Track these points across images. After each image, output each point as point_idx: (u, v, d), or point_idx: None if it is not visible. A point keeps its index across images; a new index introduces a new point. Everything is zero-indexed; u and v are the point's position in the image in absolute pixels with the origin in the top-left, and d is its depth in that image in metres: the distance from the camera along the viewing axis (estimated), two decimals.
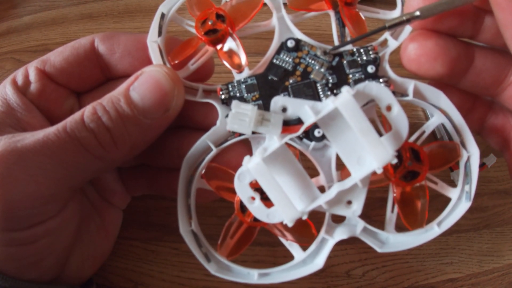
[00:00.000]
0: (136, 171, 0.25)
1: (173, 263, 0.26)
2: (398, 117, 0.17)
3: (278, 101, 0.18)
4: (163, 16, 0.22)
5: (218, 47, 0.21)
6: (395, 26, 0.19)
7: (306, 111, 0.17)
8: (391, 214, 0.20)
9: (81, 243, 0.21)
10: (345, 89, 0.17)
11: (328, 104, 0.17)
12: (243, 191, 0.19)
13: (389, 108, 0.17)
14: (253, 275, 0.20)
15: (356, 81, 0.20)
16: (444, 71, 0.19)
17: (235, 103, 0.17)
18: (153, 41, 0.21)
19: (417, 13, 0.18)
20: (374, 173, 0.18)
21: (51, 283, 0.20)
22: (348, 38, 0.21)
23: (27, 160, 0.17)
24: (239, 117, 0.17)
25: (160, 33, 0.22)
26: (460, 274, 0.26)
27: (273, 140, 0.18)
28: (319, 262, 0.20)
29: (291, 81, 0.20)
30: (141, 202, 0.27)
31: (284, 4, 0.22)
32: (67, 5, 0.36)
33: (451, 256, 0.27)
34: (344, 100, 0.16)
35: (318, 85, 0.20)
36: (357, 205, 0.18)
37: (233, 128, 0.17)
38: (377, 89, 0.17)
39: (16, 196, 0.17)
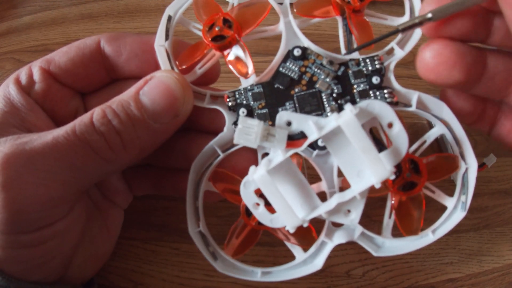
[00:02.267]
0: (140, 170, 0.26)
1: (173, 263, 0.27)
2: (399, 134, 0.18)
3: (283, 116, 0.19)
4: (169, 19, 0.23)
5: (225, 52, 0.22)
6: (408, 28, 0.19)
7: (310, 126, 0.19)
8: (388, 220, 0.22)
9: (84, 243, 0.22)
10: (348, 108, 0.18)
11: (331, 121, 0.18)
12: (248, 198, 0.20)
13: (390, 125, 0.18)
14: (256, 273, 0.22)
15: (361, 92, 0.21)
16: (461, 78, 0.19)
17: (242, 119, 0.18)
18: (160, 45, 0.22)
19: (429, 15, 0.18)
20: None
21: (54, 284, 0.20)
22: (355, 46, 0.22)
23: (36, 163, 0.17)
24: (245, 132, 0.18)
25: (167, 37, 0.22)
26: (460, 274, 0.27)
27: (277, 153, 0.19)
28: (319, 263, 0.22)
29: (296, 90, 0.21)
30: (141, 202, 0.27)
31: (291, 4, 0.22)
32: (67, 5, 0.36)
33: (451, 256, 0.27)
34: (346, 119, 0.18)
35: (323, 95, 0.21)
36: (356, 215, 0.20)
37: (240, 142, 0.19)
38: (379, 108, 0.18)
39: (24, 199, 0.17)
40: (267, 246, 0.27)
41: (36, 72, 0.21)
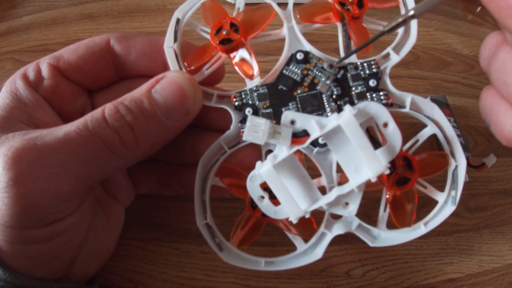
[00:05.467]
0: (145, 167, 0.27)
1: (173, 263, 0.28)
2: (393, 133, 0.21)
3: (288, 115, 0.22)
4: (178, 21, 0.25)
5: (232, 55, 0.25)
6: (393, 29, 0.21)
7: (312, 125, 0.21)
8: (383, 213, 0.25)
9: (88, 240, 0.23)
10: (347, 109, 0.21)
11: (332, 120, 0.21)
12: (254, 191, 0.23)
13: (385, 125, 0.21)
14: (260, 262, 0.25)
15: (358, 94, 0.24)
16: None
17: (250, 118, 0.21)
18: (169, 47, 0.25)
19: (411, 12, 0.20)
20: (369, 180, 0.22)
21: (59, 281, 0.21)
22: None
23: (48, 158, 0.18)
24: (253, 130, 0.21)
25: (175, 39, 0.25)
26: (460, 274, 0.28)
27: (282, 149, 0.22)
28: (319, 252, 0.25)
29: (299, 91, 0.24)
30: (141, 202, 0.29)
31: (294, 5, 0.25)
32: (67, 5, 0.38)
33: (451, 256, 0.29)
34: (346, 119, 0.20)
35: (323, 96, 0.24)
36: (353, 207, 0.22)
37: (248, 139, 0.21)
38: (375, 108, 0.21)
39: (36, 193, 0.18)
40: (267, 246, 0.29)
41: (44, 68, 0.22)
